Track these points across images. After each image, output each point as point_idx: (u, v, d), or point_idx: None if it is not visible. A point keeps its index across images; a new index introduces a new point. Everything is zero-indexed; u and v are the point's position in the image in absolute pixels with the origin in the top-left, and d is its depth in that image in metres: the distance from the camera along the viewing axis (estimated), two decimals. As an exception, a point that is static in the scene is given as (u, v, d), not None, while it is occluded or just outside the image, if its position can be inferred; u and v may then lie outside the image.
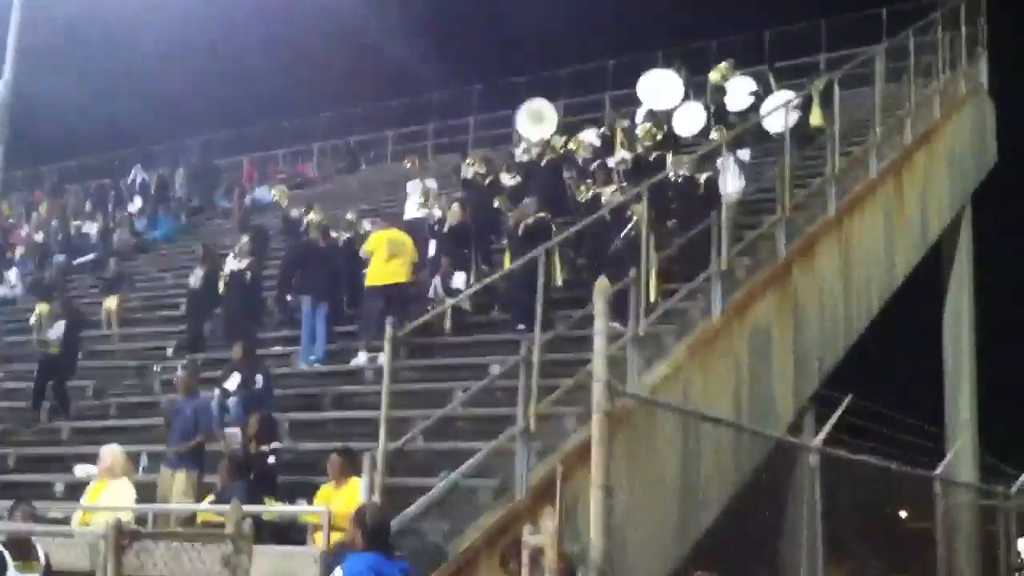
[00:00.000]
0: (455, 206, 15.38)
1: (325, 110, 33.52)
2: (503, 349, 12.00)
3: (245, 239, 16.96)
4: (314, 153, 32.07)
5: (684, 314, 11.89)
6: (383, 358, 12.83)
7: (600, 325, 5.52)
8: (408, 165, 20.72)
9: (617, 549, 7.86)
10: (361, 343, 13.73)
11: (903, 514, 12.73)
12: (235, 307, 15.74)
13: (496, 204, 15.91)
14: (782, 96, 17.27)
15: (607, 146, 18.43)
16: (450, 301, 12.61)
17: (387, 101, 32.19)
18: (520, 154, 17.52)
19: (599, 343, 5.54)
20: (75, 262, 23.47)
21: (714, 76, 20.45)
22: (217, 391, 12.52)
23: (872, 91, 16.80)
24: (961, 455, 18.01)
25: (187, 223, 26.30)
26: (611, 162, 17.32)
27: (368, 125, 32.08)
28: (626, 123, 19.64)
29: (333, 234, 15.89)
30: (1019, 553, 15.05)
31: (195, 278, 16.79)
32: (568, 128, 21.07)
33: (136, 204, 27.21)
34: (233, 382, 12.50)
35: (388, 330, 7.99)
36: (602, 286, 5.53)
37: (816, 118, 17.28)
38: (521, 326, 12.47)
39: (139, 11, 34.95)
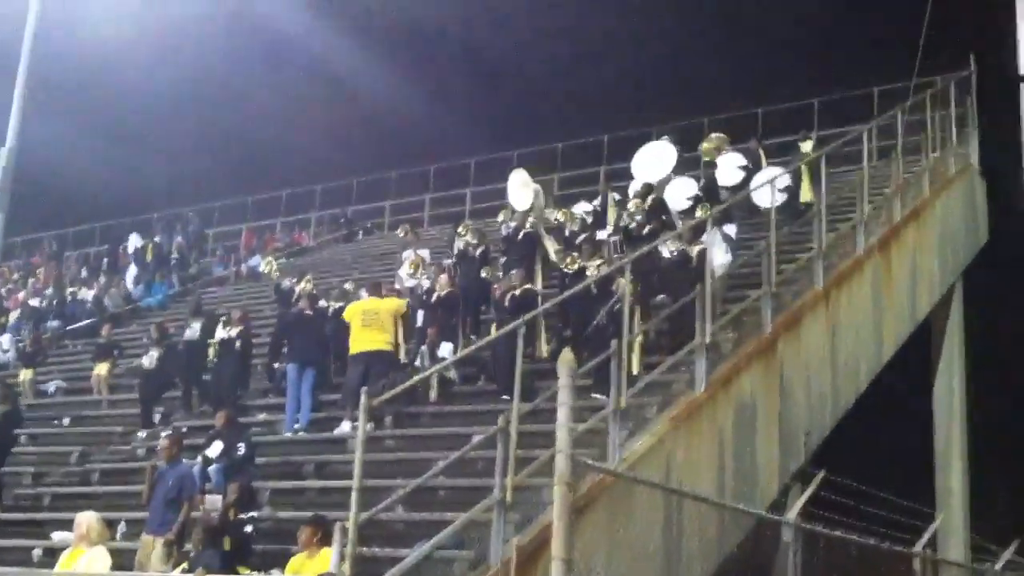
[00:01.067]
0: (443, 276, 15.48)
1: (324, 180, 33.86)
2: (487, 419, 11.98)
3: (234, 312, 16.88)
4: (311, 222, 32.32)
5: (668, 387, 11.87)
6: (347, 426, 12.95)
7: (564, 397, 5.54)
8: (402, 234, 20.89)
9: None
10: (346, 411, 13.73)
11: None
12: (225, 374, 15.75)
13: (484, 275, 15.98)
14: (771, 172, 17.44)
15: (600, 219, 18.54)
16: (433, 369, 12.60)
17: (385, 172, 32.51)
18: (501, 227, 17.62)
19: (562, 415, 5.55)
20: (69, 328, 23.56)
21: (706, 147, 20.69)
22: (199, 458, 12.50)
23: (862, 168, 16.96)
24: (951, 533, 17.95)
25: (182, 290, 26.39)
26: (602, 234, 17.43)
27: (366, 195, 32.41)
28: (618, 196, 19.84)
29: (322, 303, 15.93)
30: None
31: (149, 359, 16.68)
32: (563, 201, 21.29)
33: (131, 271, 27.37)
34: (215, 449, 12.48)
35: (363, 399, 7.97)
36: (566, 360, 5.56)
37: (806, 193, 17.42)
38: (506, 396, 12.46)
39: (140, 82, 35.65)
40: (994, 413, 21.84)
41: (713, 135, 20.82)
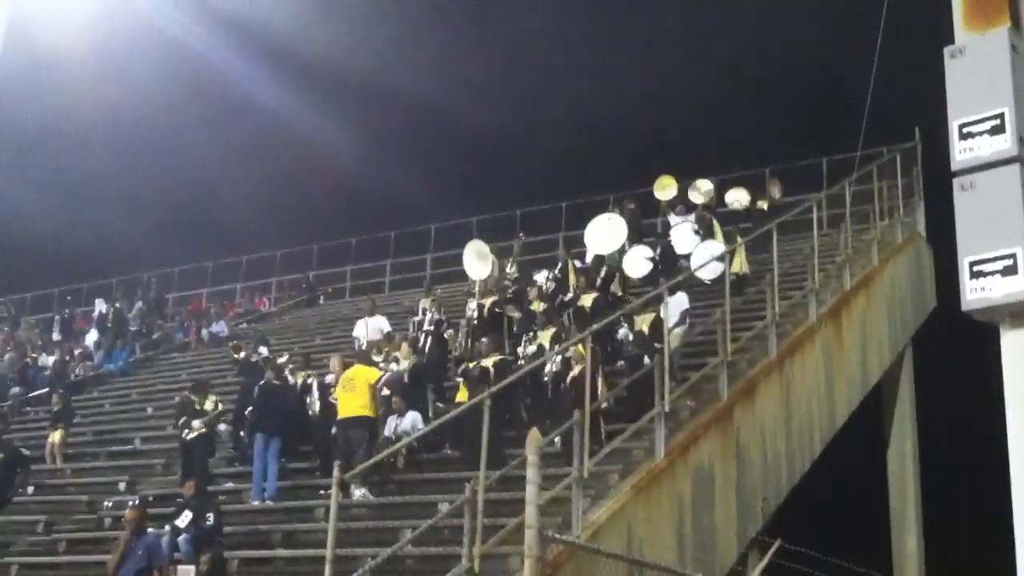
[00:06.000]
0: (405, 347, 15.85)
1: (285, 246, 34.14)
2: (453, 487, 12.23)
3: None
4: (272, 287, 32.52)
5: (628, 454, 12.19)
6: (358, 492, 13.13)
7: (532, 475, 5.84)
8: (365, 304, 21.23)
9: None
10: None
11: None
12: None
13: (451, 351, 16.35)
14: (709, 246, 18.12)
15: (561, 287, 18.93)
16: (405, 440, 12.86)
17: (346, 238, 32.84)
18: (471, 310, 17.90)
19: (531, 492, 5.85)
20: (32, 394, 23.55)
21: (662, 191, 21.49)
22: (168, 528, 12.62)
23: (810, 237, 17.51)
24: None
25: (143, 356, 26.45)
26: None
27: (327, 261, 32.70)
28: (578, 263, 20.30)
29: (289, 379, 16.05)
30: None
31: None
32: (522, 266, 21.78)
33: (92, 336, 27.42)
34: (184, 519, 12.61)
35: (335, 471, 8.23)
36: (534, 438, 5.87)
37: (737, 265, 17.93)
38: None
39: (102, 145, 35.86)
40: (947, 475, 22.28)
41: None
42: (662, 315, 13.66)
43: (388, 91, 36.46)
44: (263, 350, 17.57)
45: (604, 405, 12.89)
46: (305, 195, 40.29)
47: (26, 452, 17.90)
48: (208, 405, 16.03)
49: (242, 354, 18.87)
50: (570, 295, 17.90)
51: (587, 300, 16.72)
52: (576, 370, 12.91)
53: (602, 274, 17.93)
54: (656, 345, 13.48)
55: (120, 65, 31.66)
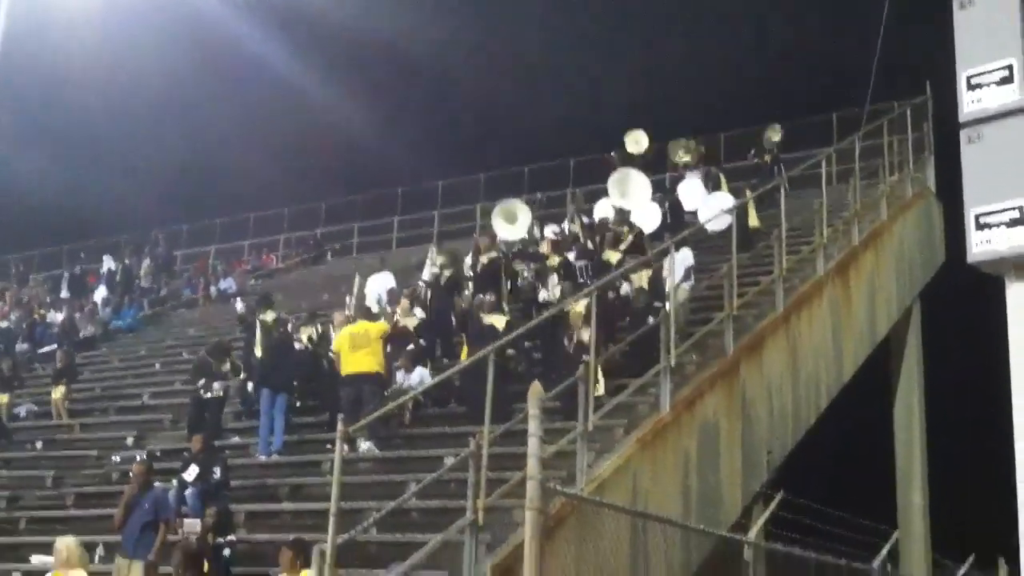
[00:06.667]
0: (405, 302, 15.85)
1: (292, 203, 34.12)
2: (458, 442, 12.25)
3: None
4: (280, 244, 32.57)
5: (634, 409, 12.19)
6: (364, 445, 13.17)
7: (533, 428, 5.83)
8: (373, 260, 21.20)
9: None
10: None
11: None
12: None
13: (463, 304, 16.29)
14: (719, 198, 17.97)
15: (567, 243, 18.86)
16: (409, 395, 12.87)
17: (353, 195, 32.84)
18: (467, 265, 17.83)
19: (533, 445, 5.84)
20: (40, 351, 23.63)
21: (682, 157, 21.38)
22: (175, 482, 12.69)
23: (820, 192, 17.41)
24: (913, 548, 18.46)
25: (151, 313, 26.51)
26: (571, 256, 17.76)
27: (335, 218, 32.69)
28: (586, 219, 20.21)
29: (297, 344, 16.00)
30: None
31: None
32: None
33: (101, 293, 27.48)
34: (191, 473, 12.67)
35: (339, 425, 8.23)
36: (535, 391, 5.86)
37: (754, 220, 17.81)
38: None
39: (107, 106, 35.76)
40: (954, 429, 22.31)
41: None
42: (666, 270, 13.59)
43: (395, 51, 36.28)
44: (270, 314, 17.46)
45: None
46: (312, 154, 40.22)
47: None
48: (226, 367, 16.05)
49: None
50: (573, 251, 17.86)
51: (613, 257, 16.64)
52: (584, 334, 12.86)
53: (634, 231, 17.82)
54: (656, 304, 13.43)
55: (126, 27, 31.53)
